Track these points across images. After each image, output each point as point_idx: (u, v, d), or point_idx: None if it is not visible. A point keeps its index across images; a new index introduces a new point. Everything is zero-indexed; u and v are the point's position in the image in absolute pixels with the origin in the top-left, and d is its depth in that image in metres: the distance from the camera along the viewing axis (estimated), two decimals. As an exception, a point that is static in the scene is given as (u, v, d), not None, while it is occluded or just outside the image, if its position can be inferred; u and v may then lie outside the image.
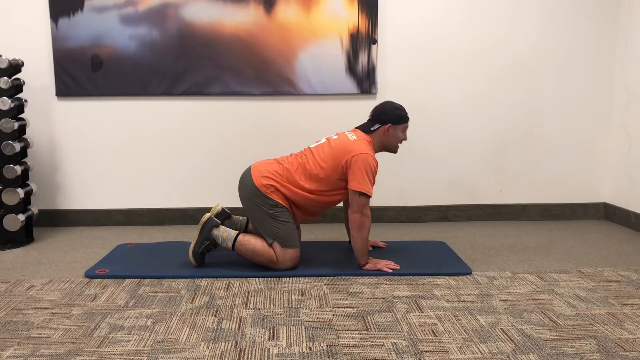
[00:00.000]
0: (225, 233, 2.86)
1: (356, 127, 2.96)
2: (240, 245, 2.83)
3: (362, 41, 3.69)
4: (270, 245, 2.82)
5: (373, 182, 2.77)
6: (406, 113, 2.93)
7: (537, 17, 3.77)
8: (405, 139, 2.96)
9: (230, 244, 2.84)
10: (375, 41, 3.70)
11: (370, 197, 2.75)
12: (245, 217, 3.15)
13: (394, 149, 2.96)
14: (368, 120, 2.94)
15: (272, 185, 2.79)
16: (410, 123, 3.77)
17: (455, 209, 3.93)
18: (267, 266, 2.84)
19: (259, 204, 2.81)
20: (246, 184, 2.85)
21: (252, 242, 2.83)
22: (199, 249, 2.87)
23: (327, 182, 2.80)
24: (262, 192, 2.79)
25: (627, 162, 3.78)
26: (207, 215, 2.91)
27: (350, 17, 3.66)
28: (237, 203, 3.71)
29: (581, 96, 3.88)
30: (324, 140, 2.92)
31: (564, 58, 3.83)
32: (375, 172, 2.79)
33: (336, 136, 2.90)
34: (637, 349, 2.05)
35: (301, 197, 2.82)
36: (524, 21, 3.77)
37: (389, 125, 2.88)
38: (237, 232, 2.88)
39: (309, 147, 2.93)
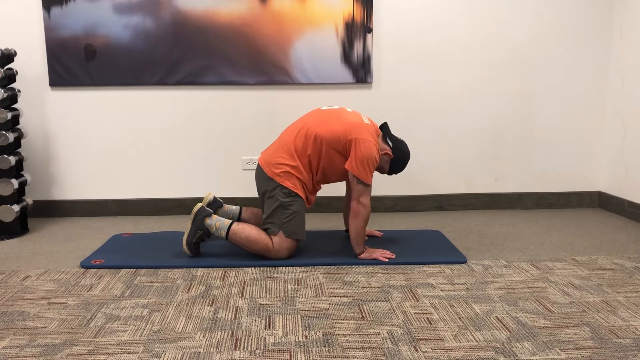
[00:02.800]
0: (218, 222, 2.85)
1: (380, 126, 2.97)
2: (234, 234, 2.83)
3: (357, 30, 3.67)
4: (273, 235, 2.82)
5: (372, 172, 2.79)
6: (401, 171, 3.06)
7: (533, 6, 3.75)
8: (383, 172, 2.99)
9: (224, 233, 2.83)
10: (370, 30, 3.68)
11: (369, 185, 2.77)
12: (237, 207, 3.16)
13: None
14: (392, 134, 2.94)
15: (285, 172, 2.80)
16: (406, 111, 3.79)
17: (450, 198, 3.94)
18: (262, 255, 2.84)
19: (275, 193, 2.81)
20: (260, 178, 2.88)
21: (247, 230, 2.83)
22: (193, 239, 2.87)
23: (326, 149, 2.80)
24: (277, 181, 2.80)
25: (621, 151, 3.79)
26: (199, 205, 2.90)
27: (345, 6, 3.63)
28: (230, 192, 3.72)
29: (576, 85, 3.88)
30: (337, 107, 2.94)
31: (559, 47, 3.82)
32: (376, 164, 2.81)
33: (351, 110, 2.93)
34: (630, 336, 2.06)
35: (307, 160, 2.83)
36: (520, 10, 3.76)
37: (392, 156, 2.91)
38: (231, 221, 2.88)
39: (319, 108, 2.95)
